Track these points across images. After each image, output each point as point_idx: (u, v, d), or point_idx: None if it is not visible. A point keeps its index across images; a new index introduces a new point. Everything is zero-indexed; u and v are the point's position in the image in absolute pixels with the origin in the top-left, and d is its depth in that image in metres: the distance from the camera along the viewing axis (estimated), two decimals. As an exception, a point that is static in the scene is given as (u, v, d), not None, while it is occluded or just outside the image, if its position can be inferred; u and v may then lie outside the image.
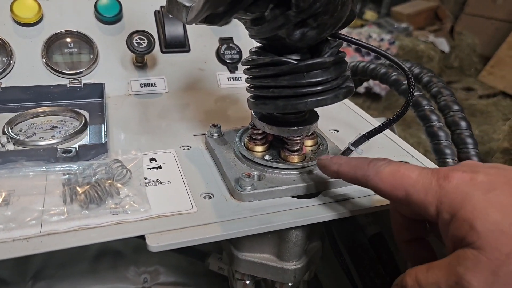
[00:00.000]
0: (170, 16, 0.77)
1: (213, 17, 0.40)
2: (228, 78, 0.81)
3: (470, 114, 3.65)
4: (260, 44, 0.49)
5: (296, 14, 0.38)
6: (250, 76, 0.49)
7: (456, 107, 0.70)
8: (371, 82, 3.37)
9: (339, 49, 0.47)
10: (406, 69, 0.45)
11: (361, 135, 0.50)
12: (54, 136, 0.58)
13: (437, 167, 0.59)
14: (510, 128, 2.32)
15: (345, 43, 0.47)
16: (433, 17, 4.95)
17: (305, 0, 0.37)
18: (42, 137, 0.58)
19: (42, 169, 0.49)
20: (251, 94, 0.50)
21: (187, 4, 0.44)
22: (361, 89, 3.48)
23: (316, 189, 0.51)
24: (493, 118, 3.56)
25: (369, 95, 3.62)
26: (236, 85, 0.81)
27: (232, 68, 0.81)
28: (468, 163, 0.37)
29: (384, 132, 0.65)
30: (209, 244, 0.80)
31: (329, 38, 0.46)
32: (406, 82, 0.75)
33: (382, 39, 3.87)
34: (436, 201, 0.34)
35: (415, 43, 4.24)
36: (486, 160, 2.65)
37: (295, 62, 0.44)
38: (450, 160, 0.67)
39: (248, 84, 0.50)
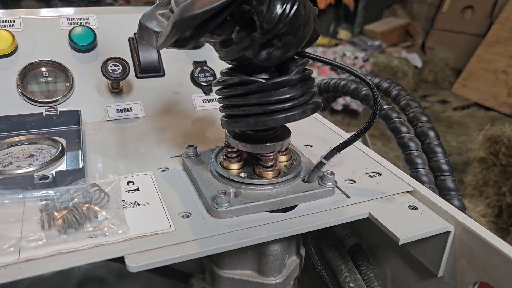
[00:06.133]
0: (144, 42, 0.80)
1: (181, 41, 0.41)
2: (203, 100, 0.83)
3: (447, 126, 3.74)
4: (230, 65, 0.51)
5: (261, 35, 0.40)
6: (222, 96, 0.50)
7: (424, 118, 0.72)
8: (347, 99, 3.43)
9: (306, 67, 0.49)
10: (370, 83, 0.47)
11: (332, 148, 0.52)
12: (31, 164, 0.58)
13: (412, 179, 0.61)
14: (485, 138, 2.38)
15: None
16: (405, 34, 5.10)
17: (269, 22, 0.39)
18: (19, 166, 0.58)
19: (19, 196, 0.49)
20: (223, 114, 0.52)
21: (156, 29, 0.46)
22: (338, 106, 3.54)
23: (291, 202, 0.52)
24: (469, 129, 3.66)
25: (347, 112, 3.68)
26: (212, 106, 0.82)
27: (207, 90, 0.83)
28: None
29: (356, 145, 0.67)
30: (192, 264, 0.80)
31: (296, 57, 0.48)
32: (376, 96, 0.78)
33: (356, 57, 3.96)
34: None
35: (389, 60, 4.36)
36: (464, 169, 2.71)
37: (263, 81, 0.45)
38: (422, 169, 0.69)
39: (221, 104, 0.52)
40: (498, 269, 0.46)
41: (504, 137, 2.24)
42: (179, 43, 0.42)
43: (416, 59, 4.64)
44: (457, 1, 4.90)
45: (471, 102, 4.24)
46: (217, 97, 0.52)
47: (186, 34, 0.39)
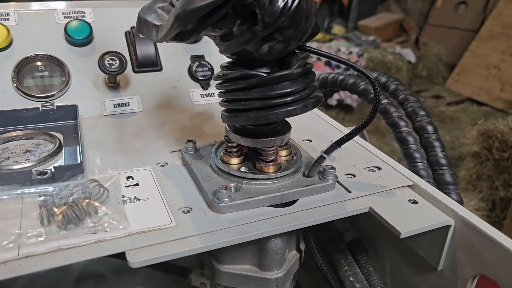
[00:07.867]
0: (141, 36, 0.79)
1: (182, 35, 0.41)
2: (201, 94, 0.82)
3: (440, 121, 3.76)
4: (230, 59, 0.50)
5: (263, 28, 0.40)
6: (222, 90, 0.50)
7: (422, 113, 0.72)
8: (342, 94, 3.43)
9: (307, 61, 0.48)
10: (371, 76, 0.47)
11: (332, 142, 0.52)
12: (29, 159, 0.58)
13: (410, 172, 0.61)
14: (479, 133, 2.40)
15: (315, 58, 0.49)
16: (399, 29, 5.10)
17: (271, 15, 0.39)
18: (16, 161, 0.57)
19: (17, 192, 0.48)
20: (224, 108, 0.52)
21: (156, 23, 0.45)
22: (333, 101, 3.54)
23: (292, 197, 0.52)
24: (462, 124, 3.68)
25: (342, 107, 3.69)
26: (210, 101, 0.82)
27: (205, 84, 0.82)
28: None
29: (355, 140, 0.67)
30: (191, 259, 0.80)
31: (296, 51, 0.48)
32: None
33: (350, 52, 3.96)
34: None
35: (384, 55, 4.36)
36: (457, 164, 2.72)
37: (264, 75, 0.45)
38: (420, 164, 0.69)
39: (221, 98, 0.51)
40: (497, 261, 0.47)
41: (497, 131, 2.25)
42: (180, 36, 0.42)
43: (410, 54, 4.65)
44: (450, -3, 4.91)
45: (464, 97, 4.27)
46: (218, 91, 0.51)
47: (188, 27, 0.39)
